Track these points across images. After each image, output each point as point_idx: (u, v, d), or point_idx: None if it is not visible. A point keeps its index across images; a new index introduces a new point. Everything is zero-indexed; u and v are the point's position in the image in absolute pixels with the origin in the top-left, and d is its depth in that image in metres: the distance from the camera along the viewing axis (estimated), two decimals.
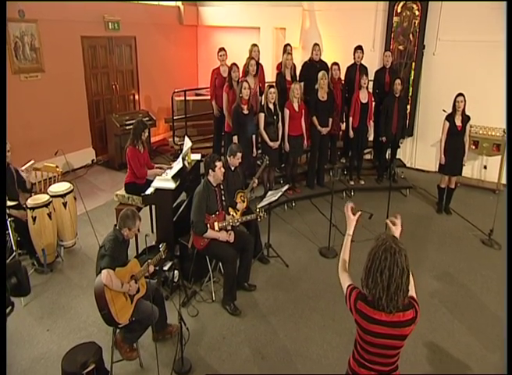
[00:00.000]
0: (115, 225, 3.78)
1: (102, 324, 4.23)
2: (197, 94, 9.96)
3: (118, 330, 3.85)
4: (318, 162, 7.45)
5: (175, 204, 5.35)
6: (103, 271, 3.45)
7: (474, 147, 7.92)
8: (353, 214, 2.73)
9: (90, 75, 8.67)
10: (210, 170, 4.56)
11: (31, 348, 4.09)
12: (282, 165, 7.37)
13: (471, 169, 8.46)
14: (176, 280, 4.87)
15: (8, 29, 7.01)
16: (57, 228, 5.39)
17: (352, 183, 7.67)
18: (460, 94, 6.45)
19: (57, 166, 6.04)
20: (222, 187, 4.75)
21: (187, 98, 8.84)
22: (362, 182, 7.73)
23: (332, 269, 5.45)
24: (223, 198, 4.74)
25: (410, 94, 8.63)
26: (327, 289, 5.08)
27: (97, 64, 8.79)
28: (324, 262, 5.65)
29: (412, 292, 2.43)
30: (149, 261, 3.88)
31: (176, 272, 4.88)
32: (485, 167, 8.35)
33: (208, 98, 8.16)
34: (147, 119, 8.77)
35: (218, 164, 4.54)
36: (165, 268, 4.87)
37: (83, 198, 5.66)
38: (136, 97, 9.82)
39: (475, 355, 4.10)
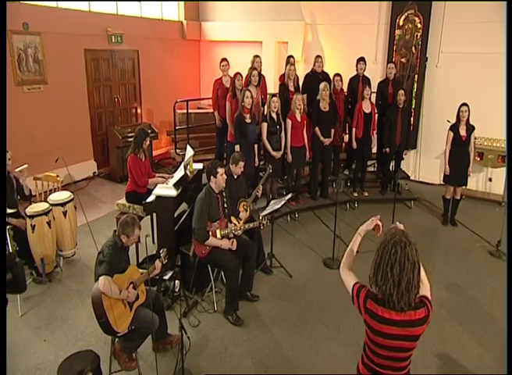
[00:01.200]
0: (115, 230, 3.68)
1: (101, 334, 4.14)
2: (199, 107, 9.97)
3: (117, 339, 3.73)
4: (321, 174, 7.39)
5: (176, 214, 5.27)
6: (100, 278, 3.34)
7: (478, 158, 7.85)
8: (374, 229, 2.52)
9: (93, 87, 8.67)
10: (212, 177, 4.48)
11: (27, 359, 3.95)
12: (285, 177, 7.31)
13: (476, 181, 8.37)
14: (177, 289, 4.75)
15: (11, 41, 7.04)
16: (56, 237, 5.28)
17: (356, 194, 7.58)
18: (464, 104, 6.40)
19: (57, 176, 5.97)
20: (224, 194, 4.66)
21: (189, 111, 8.83)
22: (366, 194, 7.64)
23: (336, 280, 5.29)
24: (225, 206, 4.65)
25: (413, 106, 8.60)
26: (332, 300, 4.95)
27: (100, 77, 8.80)
28: (328, 273, 5.53)
29: (426, 292, 2.33)
30: (150, 268, 3.78)
31: (177, 282, 4.77)
32: (490, 179, 8.26)
33: (210, 110, 8.17)
34: (149, 131, 8.75)
35: (220, 170, 4.46)
36: (166, 277, 4.75)
37: (84, 210, 5.60)
38: (139, 110, 9.81)
39: (488, 369, 3.95)
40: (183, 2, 10.49)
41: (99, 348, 4.00)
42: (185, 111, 8.73)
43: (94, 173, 8.82)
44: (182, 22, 10.52)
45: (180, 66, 10.61)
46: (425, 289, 2.33)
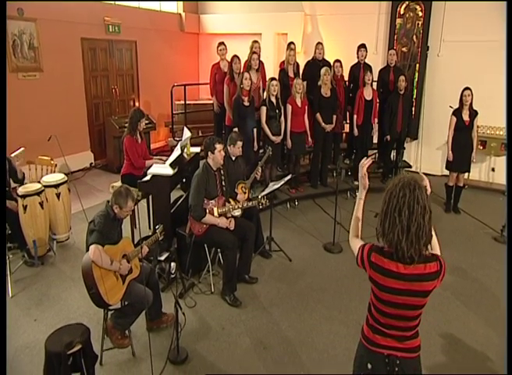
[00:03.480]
0: (108, 201, 3.55)
1: (94, 314, 4.04)
2: (196, 105, 9.82)
3: (109, 316, 3.59)
4: (321, 162, 7.26)
5: (172, 200, 5.13)
6: (91, 246, 3.20)
7: (481, 147, 7.74)
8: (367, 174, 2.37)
9: (90, 77, 8.55)
10: (209, 153, 4.35)
11: (16, 338, 3.80)
12: (285, 165, 7.19)
13: (479, 171, 8.26)
14: (173, 271, 4.60)
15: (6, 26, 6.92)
16: (50, 220, 5.14)
17: (356, 183, 7.43)
18: (467, 88, 6.28)
19: (52, 159, 5.82)
20: (222, 171, 4.52)
21: (188, 101, 8.72)
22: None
23: (337, 264, 5.22)
24: (223, 183, 4.51)
25: (415, 96, 8.49)
26: (332, 282, 4.81)
27: (97, 67, 8.68)
28: (329, 257, 5.39)
29: (437, 251, 2.19)
30: (144, 242, 3.64)
31: (172, 264, 4.62)
32: (493, 169, 8.15)
33: (209, 102, 8.04)
34: (147, 122, 8.62)
35: (218, 146, 4.33)
36: (161, 258, 4.61)
37: (80, 197, 5.47)
38: (137, 102, 9.68)
39: (495, 347, 3.80)
40: None
41: (92, 327, 3.75)
42: (183, 102, 8.62)
43: (91, 163, 8.68)
44: (180, 14, 10.42)
45: (179, 59, 10.50)
46: (436, 251, 2.20)
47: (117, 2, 8.95)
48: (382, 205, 2.05)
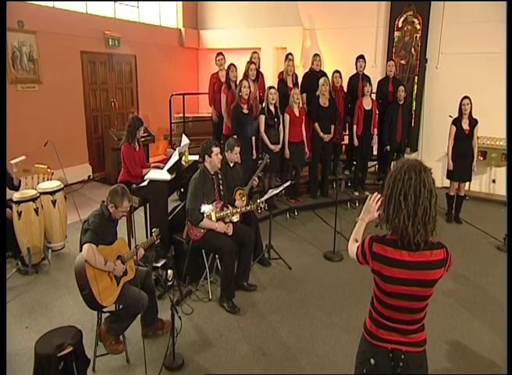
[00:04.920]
0: (103, 201, 3.47)
1: (87, 321, 3.93)
2: (195, 118, 9.83)
3: (103, 321, 3.47)
4: (321, 174, 7.21)
5: (169, 210, 5.06)
6: (84, 245, 3.12)
7: (482, 158, 7.68)
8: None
9: (89, 90, 8.56)
10: (206, 156, 4.29)
11: (6, 345, 3.67)
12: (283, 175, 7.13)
13: (480, 183, 8.19)
14: (169, 279, 4.49)
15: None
16: (45, 228, 5.06)
17: (356, 193, 7.37)
18: (466, 97, 6.27)
19: (48, 167, 5.76)
20: (219, 176, 4.46)
21: (187, 115, 8.72)
22: (367, 193, 7.40)
23: (338, 272, 5.11)
24: (221, 188, 4.44)
25: (414, 108, 8.47)
26: (333, 290, 4.69)
27: (97, 80, 8.70)
28: (329, 265, 5.28)
29: None
30: (139, 244, 3.55)
31: (169, 271, 4.52)
32: (494, 181, 8.08)
33: (208, 115, 8.03)
34: (146, 134, 8.63)
35: (215, 150, 4.27)
36: (158, 264, 4.51)
37: (77, 208, 5.38)
38: None
39: (501, 353, 3.66)
40: (181, 10, 10.49)
41: (85, 334, 3.66)
42: (181, 115, 8.63)
43: (89, 176, 8.63)
44: (180, 30, 10.51)
45: (178, 74, 10.53)
46: None
47: (117, 16, 9.02)
48: (385, 190, 1.96)
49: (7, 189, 5.05)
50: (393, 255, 1.93)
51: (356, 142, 7.10)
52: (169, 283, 4.47)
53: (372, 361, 2.08)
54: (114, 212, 3.38)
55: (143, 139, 6.30)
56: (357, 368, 2.19)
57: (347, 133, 7.63)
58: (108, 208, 3.38)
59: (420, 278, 1.92)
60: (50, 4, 7.69)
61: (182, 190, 6.38)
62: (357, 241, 2.19)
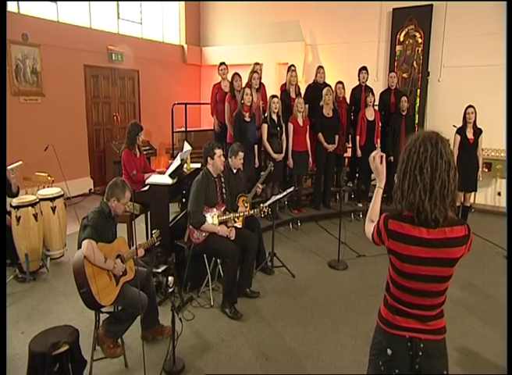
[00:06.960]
0: (103, 198, 3.39)
1: (85, 327, 3.80)
2: (197, 130, 9.81)
3: (100, 324, 3.35)
4: (324, 185, 7.14)
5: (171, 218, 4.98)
6: (84, 241, 3.02)
7: (486, 169, 7.61)
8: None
9: (92, 104, 8.57)
10: (209, 158, 4.23)
11: None
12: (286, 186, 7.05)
13: (485, 196, 8.10)
14: (170, 285, 4.38)
15: (9, 51, 6.98)
16: (44, 235, 4.97)
17: (360, 205, 7.27)
18: (470, 106, 6.23)
19: (49, 175, 5.70)
20: (222, 179, 4.38)
21: (189, 129, 8.70)
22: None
23: (343, 280, 4.99)
24: (224, 191, 4.36)
25: (417, 121, 8.43)
26: (338, 297, 4.56)
27: (99, 94, 8.72)
28: (334, 274, 5.15)
29: None
30: (139, 243, 3.46)
31: (170, 278, 4.41)
32: (499, 194, 7.99)
33: (210, 128, 8.00)
34: (147, 148, 8.61)
35: (218, 152, 4.21)
36: (159, 270, 4.39)
37: (78, 219, 5.25)
38: None
39: None
40: (184, 27, 10.61)
41: (82, 339, 3.57)
42: (183, 129, 8.60)
43: (90, 190, 8.57)
44: (183, 46, 10.61)
45: (181, 90, 10.57)
46: None
47: (121, 32, 9.09)
48: (399, 165, 1.84)
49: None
50: (411, 232, 1.80)
51: (359, 153, 7.04)
52: (170, 290, 4.36)
53: (389, 351, 1.92)
54: (116, 205, 3.30)
55: (145, 152, 6.25)
56: (371, 361, 2.03)
57: (350, 145, 7.58)
58: (109, 205, 3.29)
59: (440, 256, 1.79)
60: (54, 18, 7.76)
61: (184, 200, 6.30)
62: (373, 222, 2.07)
